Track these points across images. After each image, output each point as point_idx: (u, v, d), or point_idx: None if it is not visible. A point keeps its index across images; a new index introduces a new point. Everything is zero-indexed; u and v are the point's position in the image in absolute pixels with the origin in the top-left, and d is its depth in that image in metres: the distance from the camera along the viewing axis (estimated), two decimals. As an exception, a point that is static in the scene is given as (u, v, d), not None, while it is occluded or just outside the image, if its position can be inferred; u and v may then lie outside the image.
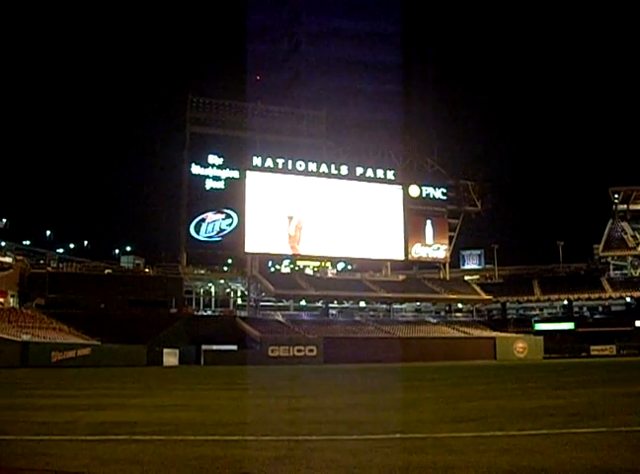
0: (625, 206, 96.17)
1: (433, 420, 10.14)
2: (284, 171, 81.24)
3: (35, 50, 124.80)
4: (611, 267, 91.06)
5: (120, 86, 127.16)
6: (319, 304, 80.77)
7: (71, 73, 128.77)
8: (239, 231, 77.72)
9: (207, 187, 77.68)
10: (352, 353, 64.69)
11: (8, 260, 69.91)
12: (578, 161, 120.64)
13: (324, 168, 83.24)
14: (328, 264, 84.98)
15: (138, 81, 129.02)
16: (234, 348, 64.41)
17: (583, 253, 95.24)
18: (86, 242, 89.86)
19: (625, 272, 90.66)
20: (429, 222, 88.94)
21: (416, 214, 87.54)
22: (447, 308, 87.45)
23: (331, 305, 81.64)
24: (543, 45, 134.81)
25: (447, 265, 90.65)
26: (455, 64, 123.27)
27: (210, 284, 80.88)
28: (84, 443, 7.83)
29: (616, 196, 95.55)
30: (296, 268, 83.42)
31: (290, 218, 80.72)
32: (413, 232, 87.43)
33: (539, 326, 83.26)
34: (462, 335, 76.80)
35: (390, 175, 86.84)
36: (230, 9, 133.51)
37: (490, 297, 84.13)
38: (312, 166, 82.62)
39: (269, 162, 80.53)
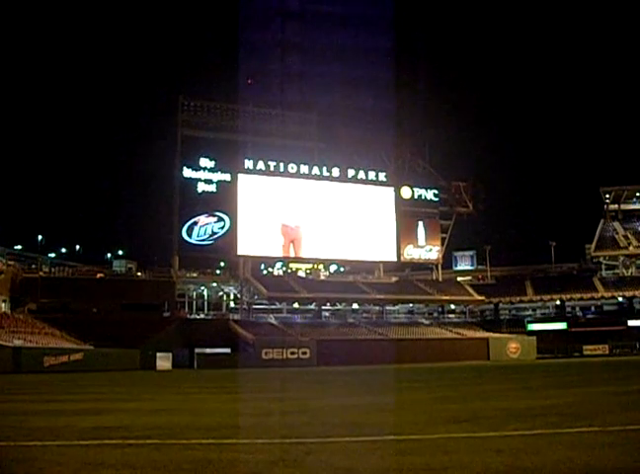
0: (616, 206, 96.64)
1: (426, 421, 10.14)
2: (276, 173, 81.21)
3: (25, 53, 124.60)
4: (603, 266, 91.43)
5: (110, 89, 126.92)
6: (312, 306, 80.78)
7: (61, 76, 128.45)
8: (231, 234, 77.64)
9: (199, 190, 77.56)
10: (345, 354, 64.72)
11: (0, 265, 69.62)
12: (569, 161, 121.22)
13: (316, 170, 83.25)
14: (320, 266, 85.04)
15: (129, 84, 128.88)
16: (227, 351, 64.31)
17: (575, 253, 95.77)
18: (78, 246, 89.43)
19: (617, 271, 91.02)
20: (421, 224, 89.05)
21: (408, 216, 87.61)
22: (440, 309, 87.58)
23: (324, 307, 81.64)
24: (534, 47, 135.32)
25: (440, 266, 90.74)
26: (446, 65, 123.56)
27: (203, 288, 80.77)
28: (77, 448, 7.79)
29: (607, 195, 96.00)
30: (289, 270, 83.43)
31: (283, 221, 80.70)
32: (405, 234, 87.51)
33: (532, 326, 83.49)
34: (455, 336, 76.93)
35: (382, 176, 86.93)
36: (221, 11, 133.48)
37: (483, 298, 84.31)
38: (304, 168, 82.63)
39: (260, 165, 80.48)
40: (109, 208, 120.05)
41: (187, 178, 77.43)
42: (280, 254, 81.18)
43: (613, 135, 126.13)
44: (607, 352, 74.37)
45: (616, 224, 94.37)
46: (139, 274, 78.38)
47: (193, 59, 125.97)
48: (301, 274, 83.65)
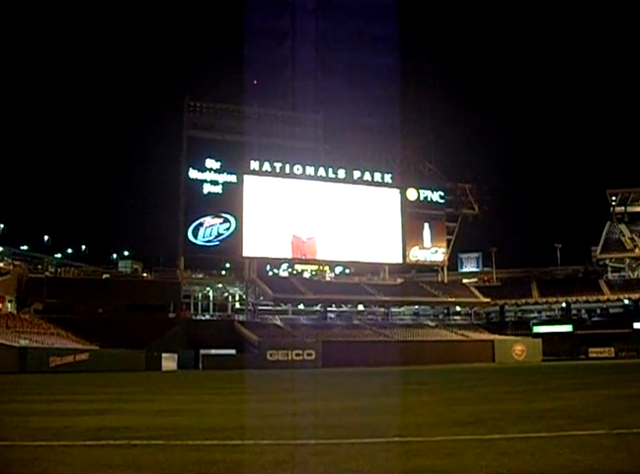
0: (623, 208, 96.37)
1: (431, 423, 10.12)
2: (282, 175, 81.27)
3: (32, 54, 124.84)
4: (609, 269, 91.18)
5: (116, 90, 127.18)
6: (317, 308, 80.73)
7: (68, 77, 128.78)
8: (237, 235, 77.70)
9: (205, 191, 77.69)
10: (350, 356, 64.60)
11: (6, 265, 69.83)
12: (575, 163, 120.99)
13: (322, 172, 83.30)
14: (326, 267, 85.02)
15: (135, 85, 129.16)
16: (232, 352, 64.29)
17: (581, 255, 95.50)
18: (84, 247, 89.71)
19: (623, 274, 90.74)
20: (427, 225, 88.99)
21: (414, 218, 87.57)
22: (446, 311, 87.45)
23: (329, 309, 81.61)
24: (541, 48, 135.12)
25: (445, 268, 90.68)
26: (453, 67, 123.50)
27: (208, 289, 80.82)
28: (82, 449, 7.80)
29: (614, 198, 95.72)
30: (294, 271, 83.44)
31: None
32: (411, 235, 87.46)
33: (538, 328, 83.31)
34: (461, 338, 76.76)
35: (388, 178, 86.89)
36: (227, 13, 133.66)
37: (488, 300, 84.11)
38: (310, 170, 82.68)
39: (266, 166, 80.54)
40: (115, 209, 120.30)
41: (192, 179, 77.57)
42: (285, 255, 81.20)
43: (620, 137, 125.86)
44: (613, 354, 74.11)
45: (622, 226, 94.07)
46: (145, 274, 78.53)
47: (199, 61, 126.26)
48: (307, 275, 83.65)
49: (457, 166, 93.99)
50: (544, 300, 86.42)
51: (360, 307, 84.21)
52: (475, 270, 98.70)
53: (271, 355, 64.02)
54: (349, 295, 79.98)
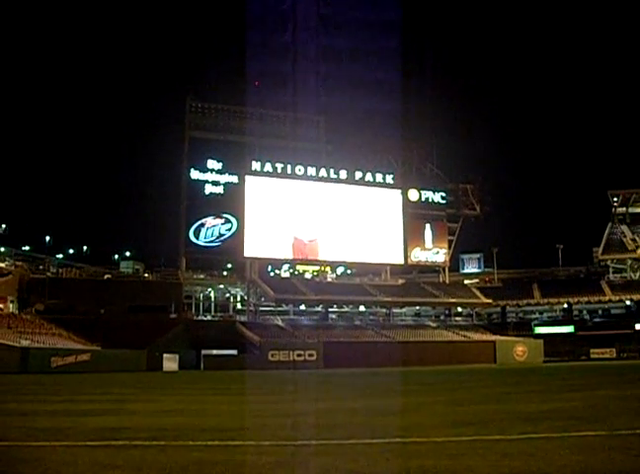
0: (624, 209, 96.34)
1: (433, 424, 10.11)
2: (284, 175, 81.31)
3: (34, 55, 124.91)
4: (611, 270, 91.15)
5: (118, 91, 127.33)
6: (319, 309, 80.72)
7: (70, 78, 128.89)
8: (238, 236, 77.75)
9: (207, 191, 77.75)
10: (351, 357, 64.62)
11: (7, 266, 69.87)
12: (577, 164, 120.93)
13: (323, 172, 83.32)
14: (327, 268, 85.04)
15: (137, 86, 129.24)
16: (234, 352, 64.37)
17: (582, 256, 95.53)
18: (85, 247, 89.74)
19: (625, 275, 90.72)
20: (428, 226, 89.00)
21: (415, 218, 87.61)
22: (447, 312, 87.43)
23: (330, 310, 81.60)
24: (542, 49, 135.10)
25: (447, 268, 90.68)
26: (454, 68, 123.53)
27: (210, 289, 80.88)
28: (83, 449, 7.80)
29: (615, 199, 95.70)
30: (296, 272, 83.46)
31: (290, 223, 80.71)
32: (412, 236, 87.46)
33: (539, 329, 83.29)
34: (462, 339, 76.75)
35: (389, 179, 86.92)
36: (229, 13, 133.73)
37: (490, 301, 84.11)
38: (311, 170, 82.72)
39: (268, 167, 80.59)
40: (116, 210, 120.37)
41: (194, 179, 77.63)
42: (286, 256, 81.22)
43: (621, 138, 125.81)
44: (615, 355, 74.12)
45: (624, 227, 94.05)
46: (146, 275, 78.58)
47: (200, 61, 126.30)
48: (308, 276, 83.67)
49: (459, 167, 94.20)
50: (546, 301, 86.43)
51: (362, 308, 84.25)
52: (476, 270, 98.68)
53: (272, 355, 64.07)
54: (350, 296, 79.99)
